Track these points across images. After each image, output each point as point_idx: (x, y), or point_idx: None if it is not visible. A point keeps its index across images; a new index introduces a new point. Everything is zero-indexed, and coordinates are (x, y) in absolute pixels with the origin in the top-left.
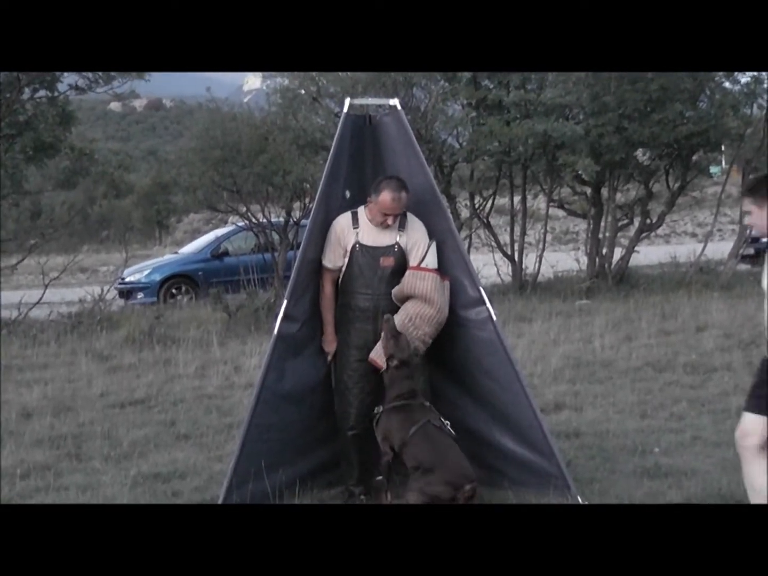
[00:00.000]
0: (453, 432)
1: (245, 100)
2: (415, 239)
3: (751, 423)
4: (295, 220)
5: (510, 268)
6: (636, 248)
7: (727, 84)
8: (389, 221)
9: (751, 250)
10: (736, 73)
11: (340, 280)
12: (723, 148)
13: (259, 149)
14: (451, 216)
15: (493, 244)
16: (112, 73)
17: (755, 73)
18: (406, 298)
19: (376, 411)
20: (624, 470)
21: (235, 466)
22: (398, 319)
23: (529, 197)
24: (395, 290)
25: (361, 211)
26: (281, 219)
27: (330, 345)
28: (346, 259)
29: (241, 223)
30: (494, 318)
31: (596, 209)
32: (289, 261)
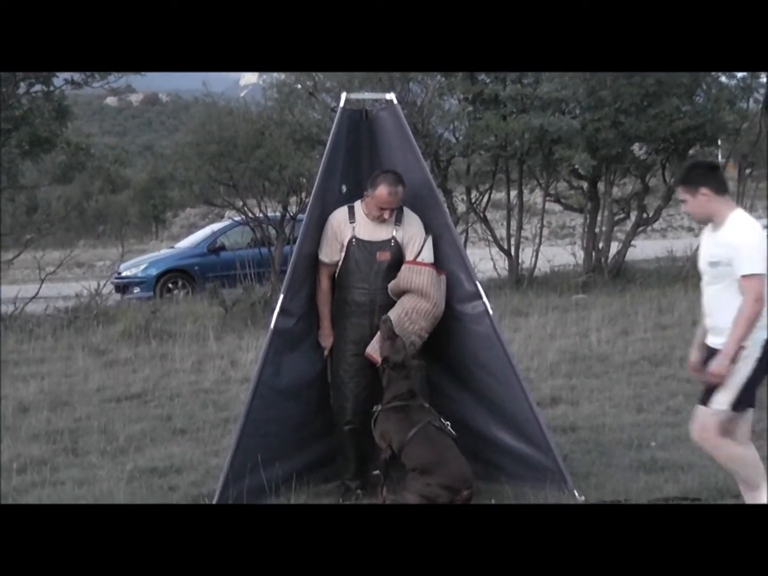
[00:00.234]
0: (453, 432)
1: (242, 94)
2: (412, 234)
3: (703, 415)
4: (291, 214)
5: (506, 262)
6: (632, 242)
7: (723, 78)
8: (386, 215)
9: None
10: None
11: (336, 274)
12: (719, 142)
13: (255, 144)
14: (447, 210)
15: (490, 238)
16: None
17: None
18: (402, 293)
19: (374, 410)
20: (620, 464)
21: (231, 460)
22: (394, 313)
23: (525, 192)
24: (391, 284)
25: (358, 205)
26: (278, 213)
27: (326, 339)
28: (343, 254)
29: (237, 218)
30: (491, 312)
31: (593, 203)
32: (285, 256)
